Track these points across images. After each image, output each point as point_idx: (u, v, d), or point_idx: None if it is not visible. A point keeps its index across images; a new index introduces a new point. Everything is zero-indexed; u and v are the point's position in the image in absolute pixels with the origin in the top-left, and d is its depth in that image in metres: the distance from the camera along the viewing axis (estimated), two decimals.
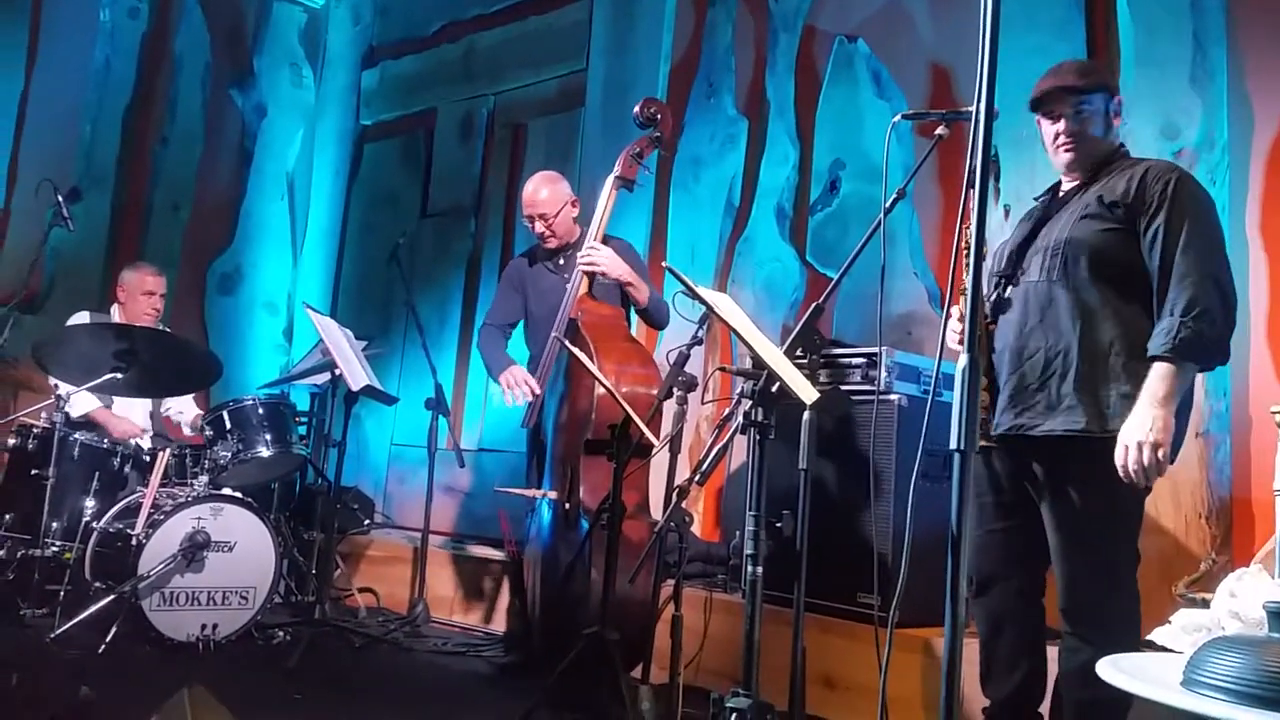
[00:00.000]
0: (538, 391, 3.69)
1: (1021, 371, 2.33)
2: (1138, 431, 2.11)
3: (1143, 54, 3.46)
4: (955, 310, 2.40)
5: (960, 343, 2.33)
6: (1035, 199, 2.57)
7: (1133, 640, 2.22)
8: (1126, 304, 2.26)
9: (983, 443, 2.35)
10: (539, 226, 3.79)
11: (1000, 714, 2.42)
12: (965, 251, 2.37)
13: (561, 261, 3.84)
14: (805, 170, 4.44)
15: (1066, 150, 2.40)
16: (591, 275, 3.59)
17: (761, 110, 4.62)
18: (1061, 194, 2.46)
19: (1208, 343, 2.14)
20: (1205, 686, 1.29)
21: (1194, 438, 3.15)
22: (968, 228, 2.29)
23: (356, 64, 6.77)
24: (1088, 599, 2.24)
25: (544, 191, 3.79)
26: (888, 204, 2.46)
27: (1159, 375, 2.14)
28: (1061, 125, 2.39)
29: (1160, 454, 2.10)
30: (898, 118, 2.53)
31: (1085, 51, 3.58)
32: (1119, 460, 2.13)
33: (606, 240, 3.68)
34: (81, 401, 4.15)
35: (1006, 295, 2.41)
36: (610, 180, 3.68)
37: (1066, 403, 2.26)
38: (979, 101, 1.53)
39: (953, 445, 1.47)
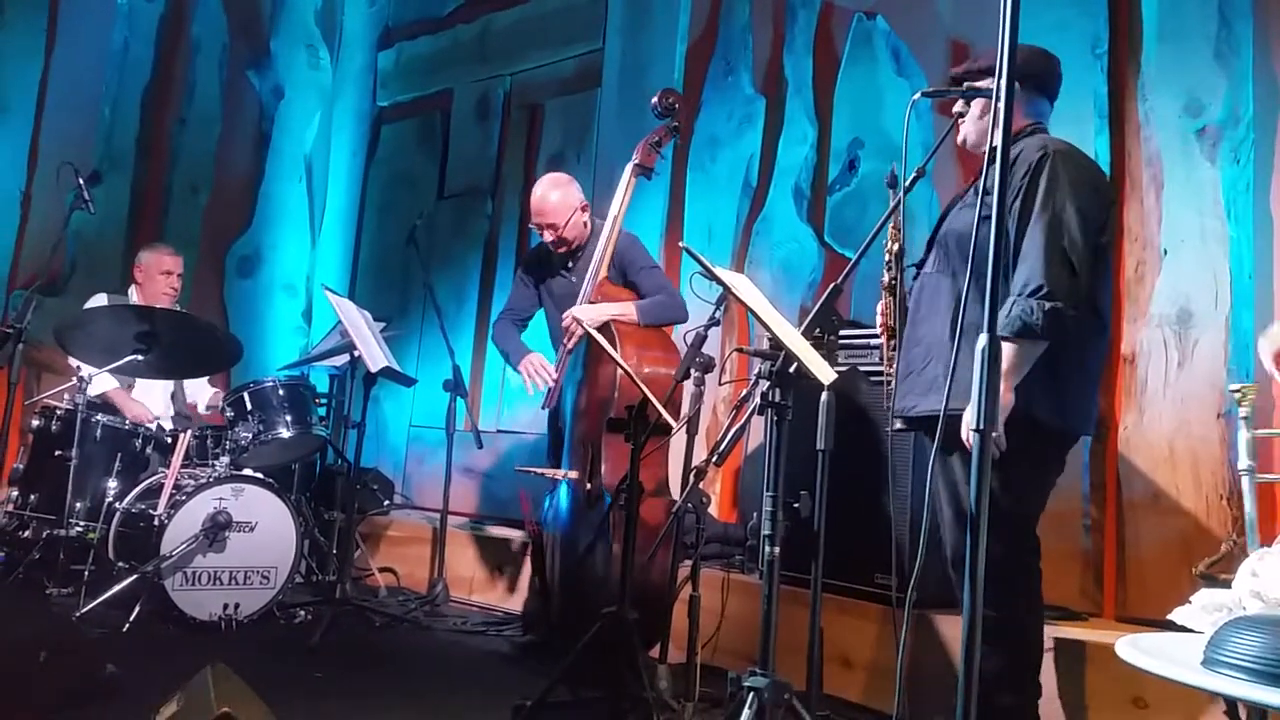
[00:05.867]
0: (556, 377, 3.70)
1: (908, 358, 2.50)
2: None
3: (1166, 28, 3.41)
4: (879, 306, 2.62)
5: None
6: None
7: (1015, 613, 2.28)
8: (1001, 287, 2.33)
9: (900, 426, 2.56)
10: (548, 235, 3.76)
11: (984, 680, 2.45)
12: (891, 250, 2.52)
13: (571, 265, 3.83)
14: (824, 149, 4.40)
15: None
16: (610, 259, 3.59)
17: (779, 89, 4.59)
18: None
19: (1044, 319, 2.19)
20: (1226, 666, 1.28)
21: (1215, 419, 3.13)
22: (897, 227, 2.51)
23: (372, 45, 6.77)
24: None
25: (553, 196, 3.74)
26: (907, 183, 2.47)
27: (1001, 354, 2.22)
28: None
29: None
30: (917, 95, 2.53)
31: (1107, 27, 3.54)
32: (964, 435, 2.21)
33: (617, 239, 3.67)
34: (100, 381, 4.18)
35: (913, 284, 2.59)
36: (629, 168, 3.68)
37: (936, 385, 2.36)
38: (1000, 78, 1.51)
39: (971, 425, 1.47)
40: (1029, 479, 2.39)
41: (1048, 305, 2.19)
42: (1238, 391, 2.19)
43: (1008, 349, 2.21)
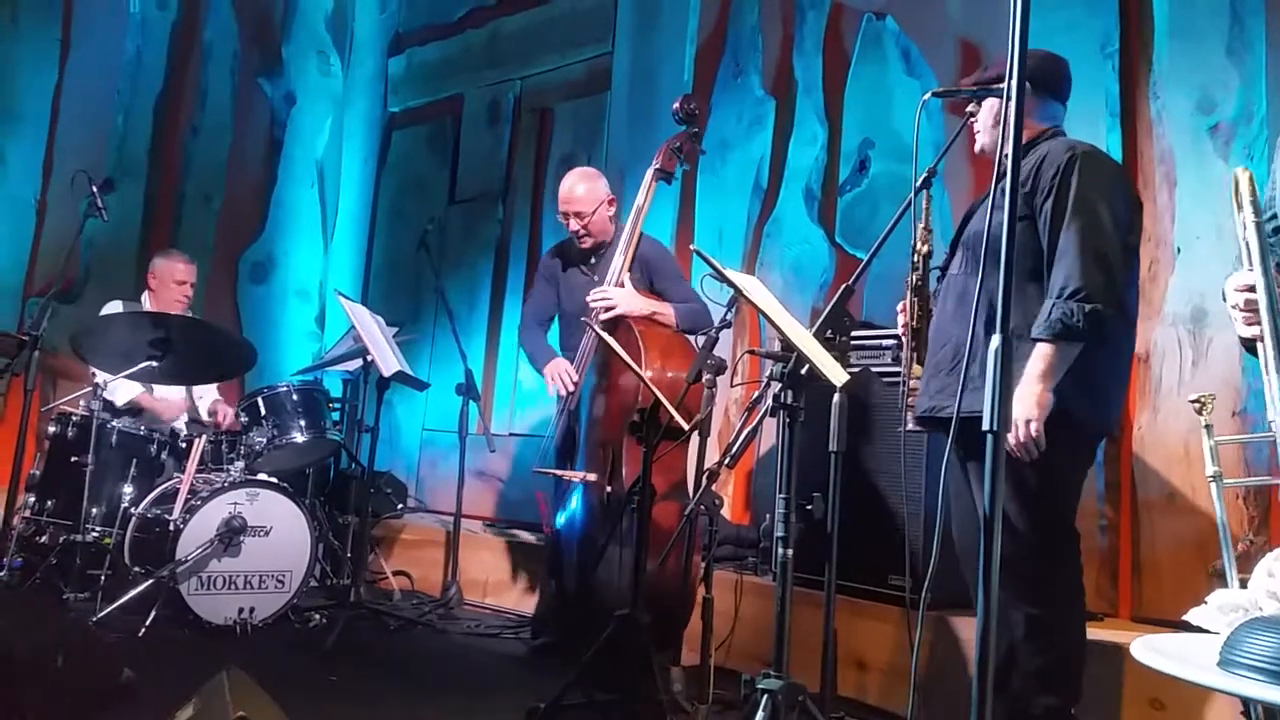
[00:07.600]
0: (577, 381, 3.70)
1: (937, 359, 2.49)
2: (1013, 410, 2.21)
3: (1177, 26, 3.39)
4: (900, 305, 2.58)
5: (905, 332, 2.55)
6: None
7: (1057, 610, 2.33)
8: (1031, 287, 2.36)
9: (915, 427, 2.56)
10: (574, 224, 3.76)
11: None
12: (915, 253, 2.51)
13: (594, 261, 3.83)
14: (834, 150, 4.40)
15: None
16: (630, 264, 3.58)
17: (789, 90, 4.58)
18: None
19: (1084, 321, 2.22)
20: (1242, 667, 1.27)
21: (1231, 417, 3.11)
22: (928, 228, 2.49)
23: (383, 51, 6.79)
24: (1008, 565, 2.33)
25: (580, 188, 3.76)
26: (918, 183, 2.46)
27: (1036, 354, 2.27)
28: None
29: (1032, 428, 2.24)
30: (928, 95, 2.53)
31: (1117, 25, 3.52)
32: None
33: (640, 240, 3.67)
34: (124, 389, 4.21)
35: (938, 286, 2.60)
36: (650, 172, 3.68)
37: (973, 385, 2.31)
38: (1010, 77, 1.51)
39: (985, 427, 1.46)
40: (1068, 476, 2.42)
41: (1088, 307, 2.22)
42: (1196, 401, 2.20)
43: (1046, 350, 2.25)
